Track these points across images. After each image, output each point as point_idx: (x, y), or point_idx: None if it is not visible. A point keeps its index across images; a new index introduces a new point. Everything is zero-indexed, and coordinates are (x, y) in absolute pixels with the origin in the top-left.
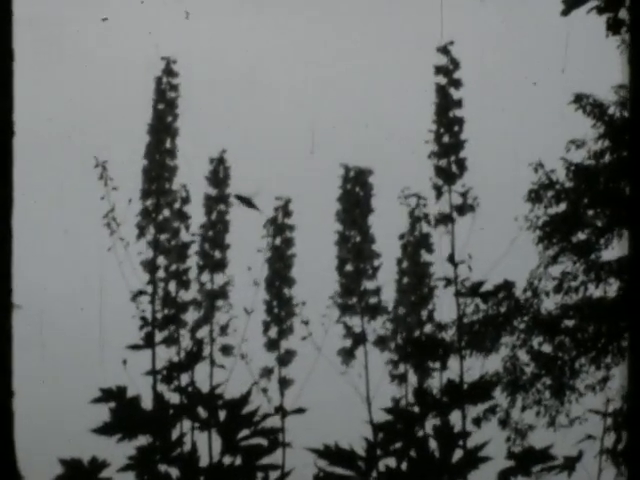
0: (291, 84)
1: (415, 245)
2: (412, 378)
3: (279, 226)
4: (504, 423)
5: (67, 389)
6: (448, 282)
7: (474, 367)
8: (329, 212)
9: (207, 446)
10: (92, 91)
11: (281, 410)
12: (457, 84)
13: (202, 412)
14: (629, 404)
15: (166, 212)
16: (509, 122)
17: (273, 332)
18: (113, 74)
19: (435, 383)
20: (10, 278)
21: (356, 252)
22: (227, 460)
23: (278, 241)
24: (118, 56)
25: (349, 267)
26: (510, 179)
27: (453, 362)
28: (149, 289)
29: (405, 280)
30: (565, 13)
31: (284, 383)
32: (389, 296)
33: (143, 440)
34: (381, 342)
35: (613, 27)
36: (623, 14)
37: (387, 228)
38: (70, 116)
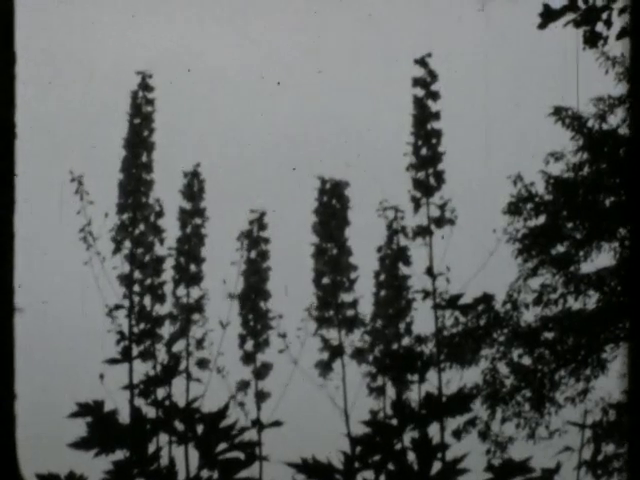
0: (266, 95)
1: (393, 258)
2: (390, 391)
3: (254, 239)
4: (484, 435)
5: (44, 402)
6: (426, 294)
7: (453, 379)
8: (306, 225)
9: (184, 460)
10: (68, 104)
11: (258, 423)
12: (435, 96)
13: (179, 426)
14: (630, 413)
15: (142, 226)
16: (488, 134)
17: (249, 345)
18: (89, 87)
19: (414, 396)
20: (12, 281)
21: (333, 265)
22: (205, 474)
23: (253, 254)
24: (93, 70)
25: (326, 280)
26: (488, 191)
27: (432, 375)
28: (126, 303)
29: (383, 293)
30: (542, 26)
31: (261, 396)
32: (367, 309)
33: (120, 454)
34: (358, 354)
35: (590, 40)
36: (600, 27)
37: (366, 241)
38: (45, 129)
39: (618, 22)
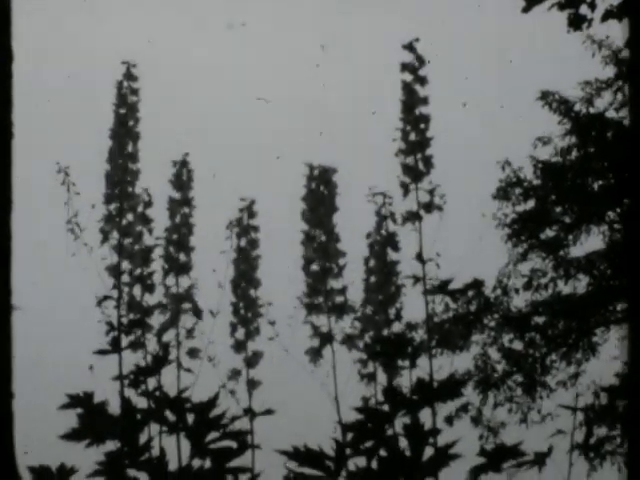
0: (253, 83)
1: (382, 244)
2: (381, 377)
3: (244, 227)
4: (476, 421)
5: (34, 395)
6: (416, 280)
7: (444, 365)
8: (296, 212)
9: (176, 450)
10: (52, 95)
11: (250, 412)
12: (423, 81)
13: (170, 416)
14: (629, 400)
15: (130, 216)
16: (476, 119)
17: (240, 334)
18: (74, 78)
19: (405, 382)
20: (10, 280)
21: (322, 251)
22: (196, 463)
23: (243, 242)
24: (78, 61)
25: (315, 266)
26: (477, 176)
27: (423, 361)
28: (114, 294)
29: (372, 279)
30: (526, 10)
31: (252, 384)
32: (358, 295)
33: (111, 445)
34: (348, 341)
35: (574, 23)
36: (584, 10)
37: (356, 227)
38: (31, 120)
39: (602, 4)
